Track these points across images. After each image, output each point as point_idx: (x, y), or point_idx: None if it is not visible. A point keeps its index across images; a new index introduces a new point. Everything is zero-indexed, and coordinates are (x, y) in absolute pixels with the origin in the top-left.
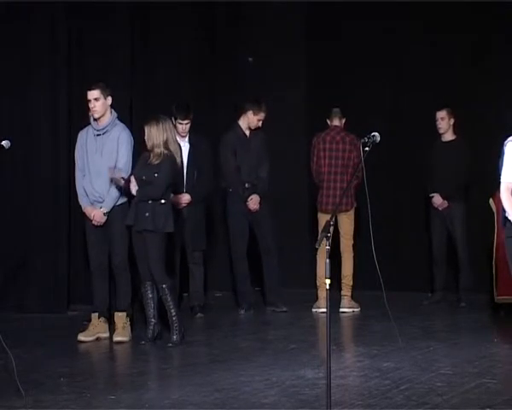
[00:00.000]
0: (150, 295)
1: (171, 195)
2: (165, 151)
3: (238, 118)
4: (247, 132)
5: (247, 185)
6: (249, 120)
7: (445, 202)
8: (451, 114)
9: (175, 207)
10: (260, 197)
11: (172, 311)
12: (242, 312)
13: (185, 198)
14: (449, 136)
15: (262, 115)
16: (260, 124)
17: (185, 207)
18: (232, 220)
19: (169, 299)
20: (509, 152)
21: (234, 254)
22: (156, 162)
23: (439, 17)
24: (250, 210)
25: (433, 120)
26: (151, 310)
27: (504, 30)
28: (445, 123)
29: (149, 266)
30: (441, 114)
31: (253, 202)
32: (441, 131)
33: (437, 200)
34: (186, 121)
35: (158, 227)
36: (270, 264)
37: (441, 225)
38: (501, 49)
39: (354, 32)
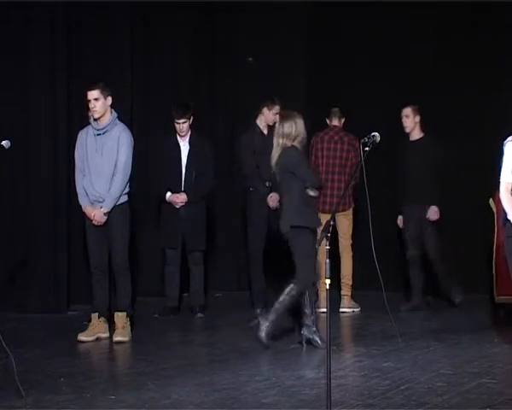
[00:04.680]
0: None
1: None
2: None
3: (256, 118)
4: (265, 131)
5: (267, 184)
6: (266, 117)
7: (437, 210)
8: (417, 111)
9: (173, 207)
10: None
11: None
12: (258, 311)
13: (182, 198)
14: (416, 134)
15: (277, 109)
16: (277, 118)
17: (183, 207)
18: (252, 220)
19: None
20: (508, 152)
21: (251, 254)
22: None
23: (439, 17)
24: (270, 209)
25: (435, 120)
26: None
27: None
28: (410, 121)
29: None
30: (406, 112)
31: (272, 199)
32: (407, 130)
33: (433, 213)
34: (182, 120)
35: None
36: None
37: (415, 228)
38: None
39: (354, 32)
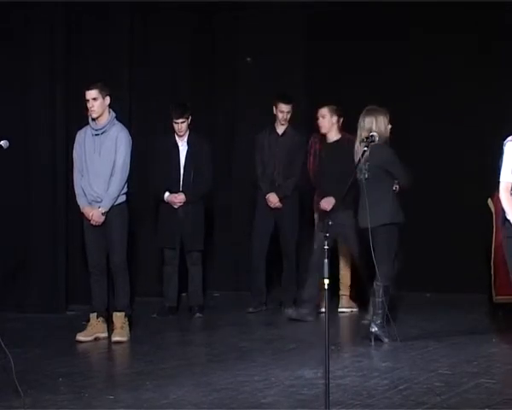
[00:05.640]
0: None
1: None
2: None
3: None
4: (280, 131)
5: (277, 184)
6: (277, 116)
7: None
8: (334, 111)
9: (171, 207)
10: (280, 197)
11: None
12: (251, 309)
13: (180, 198)
14: (332, 136)
15: (282, 107)
16: (286, 116)
17: (181, 207)
18: (256, 218)
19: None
20: (507, 152)
21: (252, 252)
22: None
23: (439, 17)
24: (274, 209)
25: (435, 120)
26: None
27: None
28: (326, 121)
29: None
30: (322, 112)
31: (269, 199)
32: (323, 131)
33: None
34: (181, 120)
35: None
36: (287, 266)
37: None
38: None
39: (354, 32)
